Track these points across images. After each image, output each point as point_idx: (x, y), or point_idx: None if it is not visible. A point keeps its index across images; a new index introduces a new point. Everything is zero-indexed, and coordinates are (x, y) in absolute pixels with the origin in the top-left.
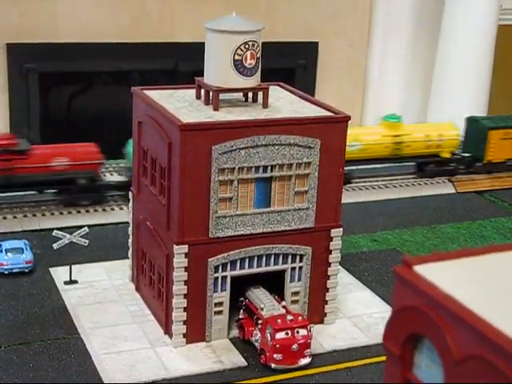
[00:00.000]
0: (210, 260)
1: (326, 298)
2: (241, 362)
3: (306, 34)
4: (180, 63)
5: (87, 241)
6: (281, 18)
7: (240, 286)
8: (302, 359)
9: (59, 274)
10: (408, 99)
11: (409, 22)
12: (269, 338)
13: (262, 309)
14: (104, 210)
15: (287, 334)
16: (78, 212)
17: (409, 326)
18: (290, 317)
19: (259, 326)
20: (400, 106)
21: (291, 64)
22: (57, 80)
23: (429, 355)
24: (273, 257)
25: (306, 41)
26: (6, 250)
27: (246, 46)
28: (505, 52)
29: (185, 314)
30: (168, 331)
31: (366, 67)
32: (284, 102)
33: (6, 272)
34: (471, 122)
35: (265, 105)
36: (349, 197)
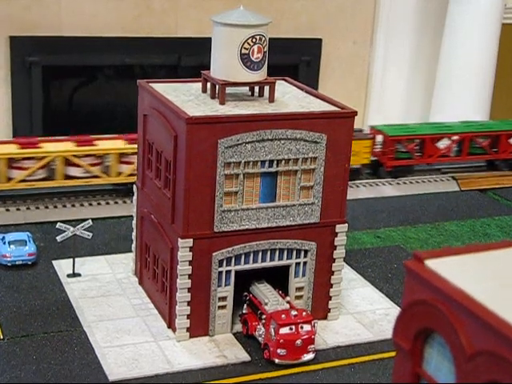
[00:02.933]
0: (214, 254)
1: (330, 294)
2: (244, 356)
3: (310, 30)
4: (183, 58)
5: (91, 234)
6: (284, 15)
7: (244, 280)
8: (305, 355)
9: (62, 266)
10: (411, 97)
11: (413, 19)
12: (273, 333)
13: (266, 304)
14: (107, 203)
15: (291, 329)
16: (82, 205)
17: (419, 321)
18: (294, 312)
19: (263, 321)
20: (403, 104)
21: (295, 60)
22: (60, 73)
23: (440, 350)
24: (277, 252)
25: (310, 37)
26: (9, 242)
27: (254, 40)
28: (508, 51)
29: (188, 308)
30: (171, 325)
31: (370, 64)
32: (290, 97)
33: (8, 264)
34: None
35: (271, 99)
36: (352, 193)
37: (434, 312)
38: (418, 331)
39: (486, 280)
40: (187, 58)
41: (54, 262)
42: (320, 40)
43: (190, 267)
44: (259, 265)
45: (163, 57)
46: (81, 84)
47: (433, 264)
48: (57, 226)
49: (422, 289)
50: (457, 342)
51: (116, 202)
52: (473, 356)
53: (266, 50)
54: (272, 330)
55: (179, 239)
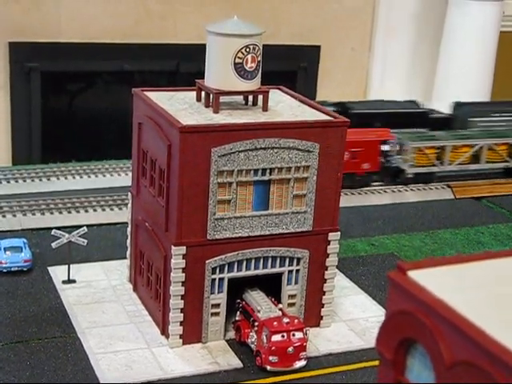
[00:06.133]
0: (207, 261)
1: (323, 302)
2: (236, 363)
3: (308, 37)
4: (181, 64)
5: (86, 240)
6: (283, 21)
7: (237, 287)
8: (297, 362)
9: (57, 273)
10: None
11: (411, 26)
12: (265, 340)
13: (258, 311)
14: (103, 209)
15: (283, 336)
16: (77, 212)
17: (402, 331)
18: (286, 319)
19: (255, 328)
20: None
21: (293, 67)
22: (59, 79)
23: (421, 360)
24: (270, 259)
25: (308, 44)
26: (4, 248)
27: (247, 50)
28: (506, 58)
29: (182, 314)
30: (165, 332)
31: (368, 71)
32: (284, 106)
33: (4, 270)
34: None
35: (265, 108)
36: (347, 201)
37: (416, 322)
38: (400, 341)
39: (467, 291)
40: (186, 64)
41: (49, 269)
42: (318, 47)
43: (184, 274)
44: (252, 272)
45: (162, 63)
46: (80, 90)
47: (415, 275)
48: (52, 233)
49: (404, 299)
50: (437, 351)
51: (112, 209)
52: (452, 366)
53: (259, 59)
54: (264, 337)
55: (173, 247)
